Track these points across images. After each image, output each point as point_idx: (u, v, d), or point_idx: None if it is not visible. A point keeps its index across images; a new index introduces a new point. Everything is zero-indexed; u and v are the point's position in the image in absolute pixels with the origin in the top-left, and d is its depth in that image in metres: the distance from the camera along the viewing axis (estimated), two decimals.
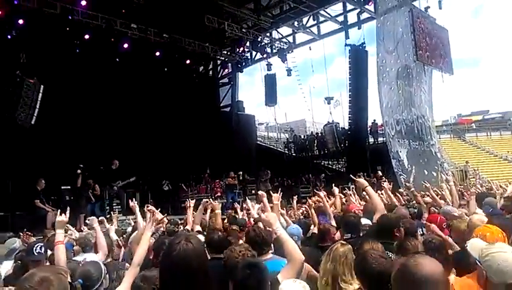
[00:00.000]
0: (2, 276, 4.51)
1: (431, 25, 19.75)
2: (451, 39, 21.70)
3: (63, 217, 3.74)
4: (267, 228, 3.75)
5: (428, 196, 6.72)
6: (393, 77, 17.58)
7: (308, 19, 20.27)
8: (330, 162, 24.45)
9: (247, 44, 20.44)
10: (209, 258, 3.61)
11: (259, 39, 20.08)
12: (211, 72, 23.78)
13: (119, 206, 13.37)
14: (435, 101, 22.48)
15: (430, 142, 19.63)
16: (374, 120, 20.81)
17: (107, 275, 3.12)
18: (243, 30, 18.89)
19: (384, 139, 17.79)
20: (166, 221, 6.65)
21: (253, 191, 17.14)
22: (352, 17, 20.00)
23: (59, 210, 4.05)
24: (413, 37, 17.95)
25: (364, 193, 5.30)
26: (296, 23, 20.15)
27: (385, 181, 8.63)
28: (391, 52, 17.66)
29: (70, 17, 14.29)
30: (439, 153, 20.30)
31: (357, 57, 19.79)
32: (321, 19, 20.40)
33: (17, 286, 1.90)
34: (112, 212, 11.60)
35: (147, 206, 4.64)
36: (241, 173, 18.68)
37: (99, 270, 3.03)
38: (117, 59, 16.76)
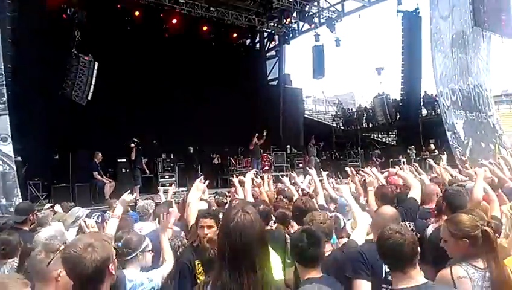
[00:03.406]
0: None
1: None
2: None
3: (130, 197, 3.88)
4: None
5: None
6: (447, 44, 16.63)
7: None
8: (380, 136, 23.91)
9: (294, 15, 19.97)
10: None
11: (306, 9, 19.51)
12: (257, 46, 23.55)
13: (173, 179, 13.93)
14: (494, 69, 21.15)
15: (488, 113, 18.55)
16: (425, 91, 20.00)
17: (147, 249, 3.35)
18: (290, 0, 18.45)
19: (439, 110, 17.02)
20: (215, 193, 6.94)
21: (300, 165, 17.18)
22: None
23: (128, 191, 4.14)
24: (471, 1, 16.84)
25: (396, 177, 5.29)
26: None
27: (443, 154, 8.28)
28: (446, 17, 16.65)
29: None
30: (498, 125, 19.18)
31: (411, 24, 18.95)
32: None
33: (63, 250, 2.00)
34: (167, 184, 12.25)
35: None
36: (288, 146, 18.76)
37: (139, 242, 3.28)
38: (166, 35, 17.10)
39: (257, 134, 15.25)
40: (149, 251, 3.43)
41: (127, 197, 3.87)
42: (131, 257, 3.17)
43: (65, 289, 2.32)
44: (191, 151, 15.46)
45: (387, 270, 2.68)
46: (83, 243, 1.92)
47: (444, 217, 3.71)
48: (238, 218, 1.88)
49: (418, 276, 2.28)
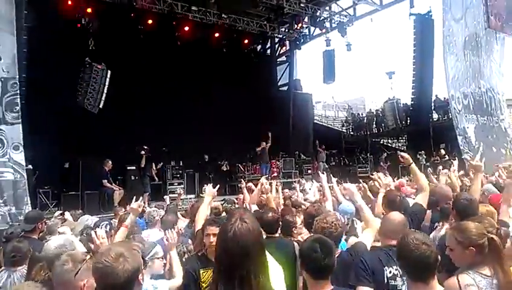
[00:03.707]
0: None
1: None
2: None
3: (137, 203, 3.88)
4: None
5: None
6: (460, 47, 16.44)
7: None
8: (390, 141, 23.74)
9: (306, 20, 19.96)
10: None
11: (318, 13, 19.49)
12: (269, 51, 23.63)
13: (181, 186, 13.99)
14: (507, 72, 20.82)
15: (500, 117, 18.25)
16: (436, 95, 19.80)
17: (156, 256, 3.43)
18: (301, 5, 18.43)
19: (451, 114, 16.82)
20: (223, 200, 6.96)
21: (309, 171, 17.12)
22: None
23: (135, 198, 4.21)
24: (484, 2, 16.70)
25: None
26: None
27: (454, 160, 8.10)
28: (458, 20, 16.47)
29: (134, 4, 14.92)
30: (510, 129, 18.87)
31: (423, 27, 18.79)
32: None
33: (95, 260, 1.98)
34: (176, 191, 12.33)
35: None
36: (297, 152, 18.73)
37: (149, 249, 3.41)
38: (178, 42, 17.25)
39: (263, 142, 15.42)
40: (159, 258, 3.47)
41: (135, 205, 3.90)
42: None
43: None
44: (206, 159, 15.59)
45: (389, 275, 2.82)
46: (114, 253, 1.90)
47: (446, 224, 3.69)
48: (236, 227, 1.87)
49: (437, 286, 2.30)
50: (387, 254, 2.94)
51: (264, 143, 15.25)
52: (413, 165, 4.36)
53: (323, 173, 5.82)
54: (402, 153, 4.43)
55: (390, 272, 2.86)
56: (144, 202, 11.24)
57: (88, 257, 2.41)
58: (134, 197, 4.02)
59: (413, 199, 5.29)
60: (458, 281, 2.38)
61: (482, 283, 2.34)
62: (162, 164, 13.68)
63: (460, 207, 3.64)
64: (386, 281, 2.85)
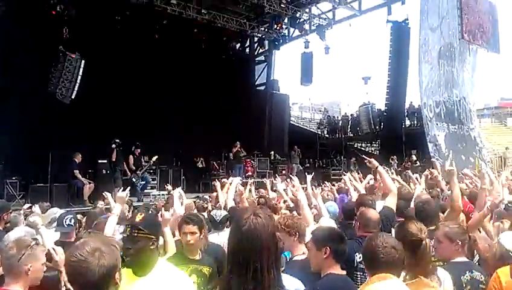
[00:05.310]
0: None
1: (479, 0, 18.76)
2: (500, 16, 20.51)
3: (124, 193, 3.81)
4: None
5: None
6: (435, 56, 16.86)
7: None
8: (363, 145, 24.11)
9: (285, 21, 20.07)
10: None
11: (298, 15, 19.62)
12: (247, 50, 23.61)
13: (154, 182, 13.78)
14: (478, 82, 21.48)
15: (470, 126, 18.84)
16: (411, 102, 20.26)
17: None
18: (282, 6, 18.48)
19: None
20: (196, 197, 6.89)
21: (283, 172, 17.21)
22: None
23: (123, 187, 4.16)
24: (459, 14, 17.16)
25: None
26: None
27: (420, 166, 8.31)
28: (435, 29, 16.88)
29: None
30: (479, 138, 19.50)
31: (399, 35, 19.18)
32: None
33: (68, 254, 1.84)
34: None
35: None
36: (272, 152, 18.79)
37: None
38: (156, 36, 16.99)
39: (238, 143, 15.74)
40: None
41: (123, 193, 3.80)
42: None
43: (34, 282, 2.44)
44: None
45: (359, 260, 3.24)
46: (89, 247, 1.76)
47: None
48: (251, 221, 1.86)
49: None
50: (359, 243, 3.36)
51: (239, 144, 15.31)
52: (380, 168, 4.51)
53: (295, 177, 5.84)
54: (370, 159, 4.54)
55: (360, 257, 3.22)
56: (128, 190, 11.08)
57: (34, 243, 2.52)
58: (121, 188, 3.97)
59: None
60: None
61: None
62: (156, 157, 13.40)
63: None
64: (355, 264, 3.33)
